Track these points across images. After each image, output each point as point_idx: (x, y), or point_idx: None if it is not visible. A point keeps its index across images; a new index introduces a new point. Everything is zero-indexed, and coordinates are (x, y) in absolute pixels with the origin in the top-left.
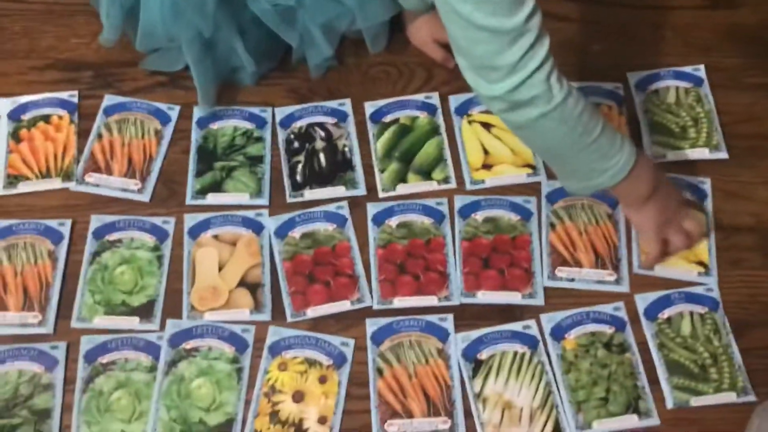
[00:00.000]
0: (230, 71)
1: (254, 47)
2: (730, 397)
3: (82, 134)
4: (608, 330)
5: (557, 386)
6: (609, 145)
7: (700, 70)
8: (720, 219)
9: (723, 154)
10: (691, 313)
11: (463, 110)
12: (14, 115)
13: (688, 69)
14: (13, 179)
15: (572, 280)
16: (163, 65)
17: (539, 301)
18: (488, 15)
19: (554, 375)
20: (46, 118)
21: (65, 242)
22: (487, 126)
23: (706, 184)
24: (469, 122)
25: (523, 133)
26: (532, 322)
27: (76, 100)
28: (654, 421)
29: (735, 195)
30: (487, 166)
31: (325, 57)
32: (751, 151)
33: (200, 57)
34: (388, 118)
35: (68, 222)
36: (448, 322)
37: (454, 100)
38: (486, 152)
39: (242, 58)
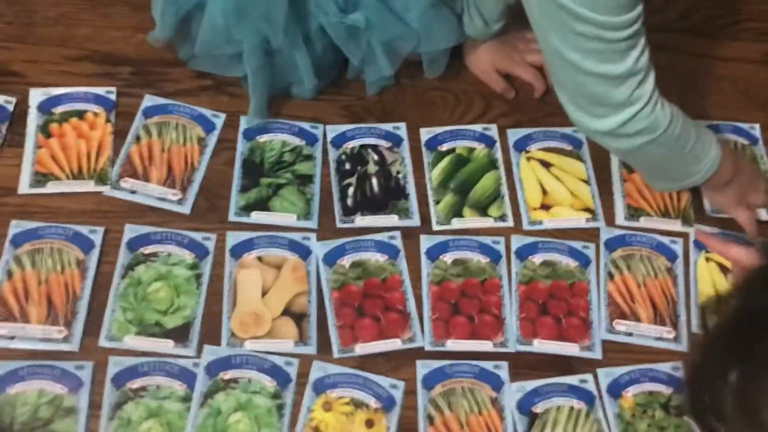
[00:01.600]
0: (287, 85)
1: (314, 61)
2: None
3: (119, 135)
4: (666, 390)
5: None
6: (701, 149)
7: (756, 129)
8: None
9: None
10: None
11: (521, 146)
12: (45, 107)
13: (745, 126)
14: (41, 177)
15: (630, 334)
16: (215, 68)
17: (597, 354)
18: (598, 63)
19: None
20: (80, 114)
21: (96, 251)
22: (546, 164)
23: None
24: (528, 159)
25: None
26: (588, 377)
27: (113, 97)
28: None
29: None
30: (545, 207)
31: (384, 76)
32: None
33: (260, 66)
34: (444, 147)
35: (100, 230)
36: (504, 370)
37: (513, 135)
38: (544, 192)
39: (302, 71)
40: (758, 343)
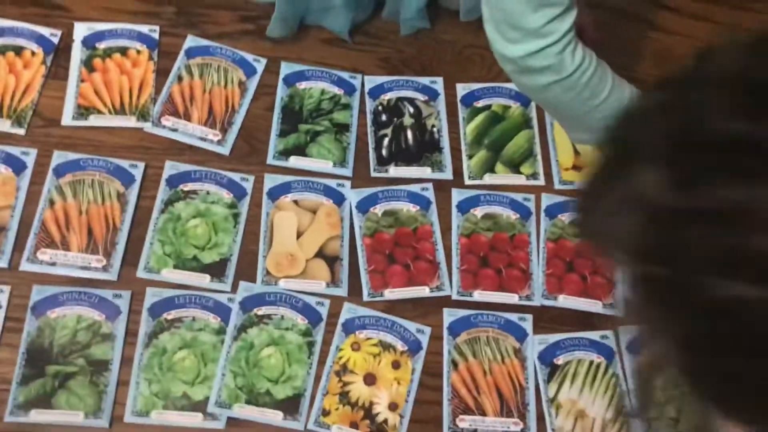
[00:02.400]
0: (320, 10)
1: None
2: None
3: (161, 73)
4: None
5: (630, 400)
6: (617, 104)
7: None
8: None
9: None
10: None
11: None
12: (89, 42)
13: None
14: (83, 111)
15: None
16: (279, 33)
17: (619, 312)
18: None
19: (628, 389)
20: (123, 51)
21: (136, 185)
22: None
23: None
24: None
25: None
26: (610, 333)
27: (156, 36)
28: None
29: None
30: (576, 168)
31: (419, 8)
32: None
33: None
34: (480, 103)
35: (141, 165)
36: (528, 322)
37: None
38: (576, 153)
39: None
40: None
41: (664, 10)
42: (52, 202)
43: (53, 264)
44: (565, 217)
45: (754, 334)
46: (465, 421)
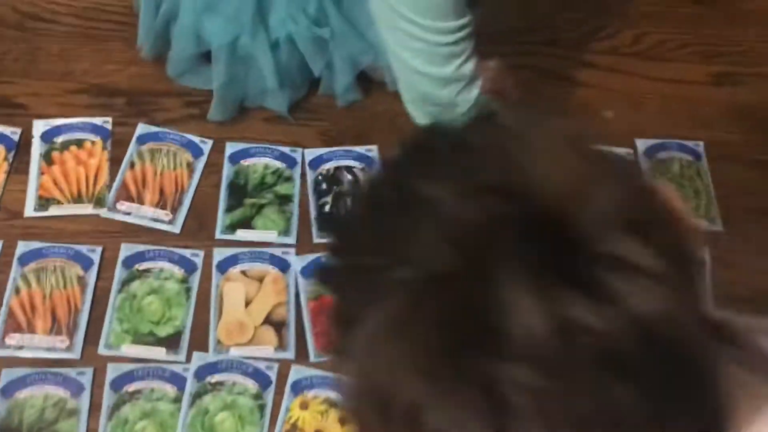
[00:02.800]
0: (259, 94)
1: (280, 69)
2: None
3: (115, 161)
4: None
5: None
6: None
7: (700, 146)
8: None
9: (718, 227)
10: None
11: None
12: (47, 137)
13: (690, 143)
14: (44, 202)
15: None
16: (197, 82)
17: None
18: (424, 63)
19: None
20: (79, 143)
21: (95, 268)
22: None
23: (706, 254)
24: None
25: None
26: None
27: (109, 126)
28: None
29: (731, 266)
30: None
31: (348, 88)
32: (746, 224)
33: (227, 64)
34: None
35: (99, 248)
36: None
37: None
38: None
39: (267, 75)
40: None
41: (584, 67)
42: (18, 290)
43: (20, 347)
44: None
45: None
46: None
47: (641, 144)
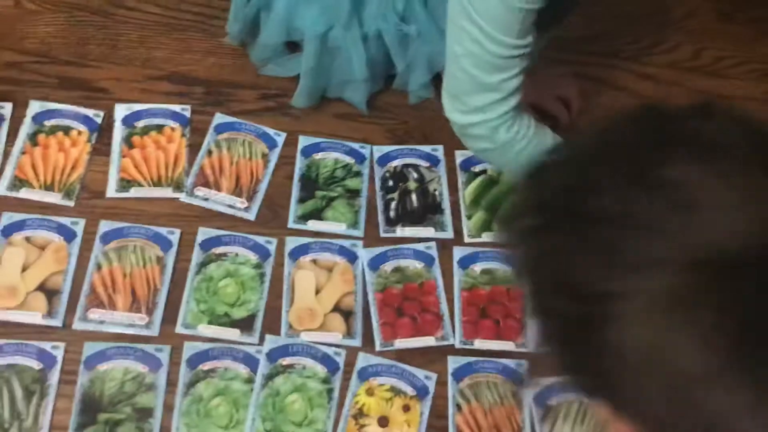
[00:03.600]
0: (340, 84)
1: (368, 63)
2: None
3: (193, 148)
4: None
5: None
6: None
7: None
8: None
9: None
10: None
11: None
12: (128, 122)
13: None
14: (125, 183)
15: None
16: (280, 71)
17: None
18: (471, 65)
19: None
20: (159, 128)
21: (174, 250)
22: None
23: None
24: None
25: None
26: None
27: (188, 114)
28: None
29: None
30: None
31: (423, 85)
32: None
33: (317, 54)
34: (476, 168)
35: (177, 231)
36: (524, 368)
37: None
38: None
39: (356, 68)
40: None
41: (643, 79)
42: (99, 267)
43: (102, 322)
44: None
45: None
46: None
47: None
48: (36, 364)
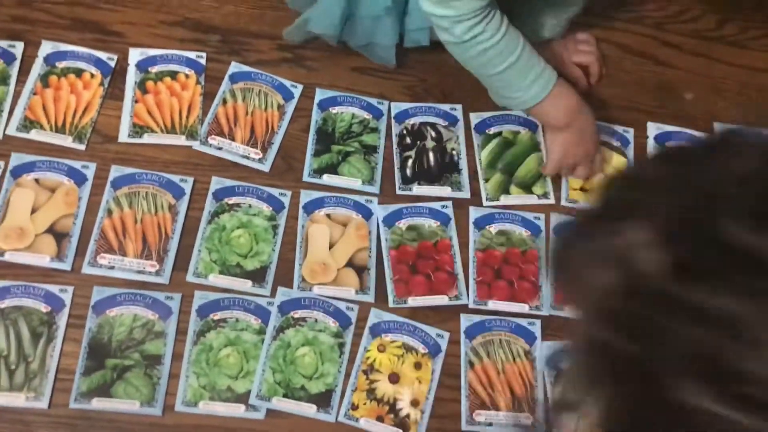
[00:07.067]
0: (367, 40)
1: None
2: None
3: (207, 96)
4: None
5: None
6: (526, 69)
7: None
8: None
9: None
10: None
11: None
12: (142, 66)
13: (766, 131)
14: (138, 129)
15: None
16: (321, 26)
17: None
18: None
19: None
20: (173, 75)
21: (186, 198)
22: None
23: None
24: None
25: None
26: None
27: (203, 61)
28: None
29: None
30: (584, 190)
31: (420, 26)
32: None
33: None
34: (491, 130)
35: (190, 179)
36: (536, 326)
37: None
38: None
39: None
40: None
41: (667, 47)
42: (110, 212)
43: (111, 268)
44: None
45: None
46: (481, 416)
47: (718, 127)
48: (43, 307)
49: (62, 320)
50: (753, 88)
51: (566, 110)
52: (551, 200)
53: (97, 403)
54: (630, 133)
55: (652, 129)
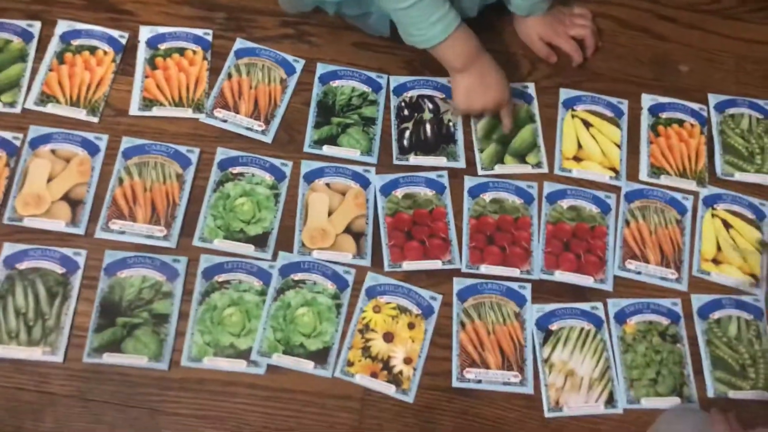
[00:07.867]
0: (364, 12)
1: None
2: (763, 395)
3: (213, 71)
4: (664, 321)
5: (615, 363)
6: (422, 16)
7: None
8: None
9: None
10: (739, 318)
11: (570, 104)
12: (152, 43)
13: (761, 102)
14: (148, 102)
15: (639, 273)
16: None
17: (608, 286)
18: None
19: (613, 353)
20: (181, 51)
21: (192, 168)
22: (587, 124)
23: (766, 207)
24: (572, 116)
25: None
26: (599, 304)
27: (210, 38)
28: (694, 406)
29: None
30: (577, 159)
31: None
32: None
33: None
34: None
35: (196, 150)
36: (527, 290)
37: (564, 93)
38: (580, 146)
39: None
40: None
41: (663, 20)
42: (121, 181)
43: (122, 233)
44: (563, 203)
45: None
46: (471, 373)
47: (713, 99)
48: (59, 268)
49: (76, 281)
50: (749, 60)
51: (464, 54)
52: (544, 169)
53: (108, 358)
54: (624, 104)
55: (647, 100)
